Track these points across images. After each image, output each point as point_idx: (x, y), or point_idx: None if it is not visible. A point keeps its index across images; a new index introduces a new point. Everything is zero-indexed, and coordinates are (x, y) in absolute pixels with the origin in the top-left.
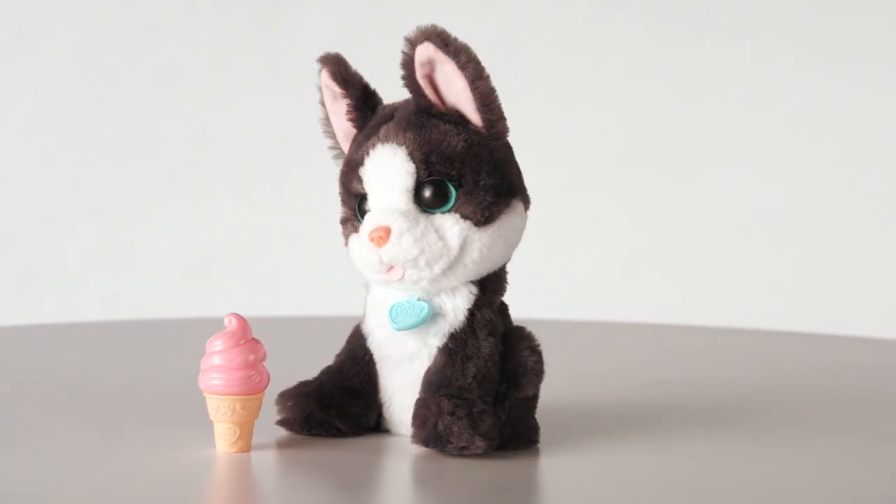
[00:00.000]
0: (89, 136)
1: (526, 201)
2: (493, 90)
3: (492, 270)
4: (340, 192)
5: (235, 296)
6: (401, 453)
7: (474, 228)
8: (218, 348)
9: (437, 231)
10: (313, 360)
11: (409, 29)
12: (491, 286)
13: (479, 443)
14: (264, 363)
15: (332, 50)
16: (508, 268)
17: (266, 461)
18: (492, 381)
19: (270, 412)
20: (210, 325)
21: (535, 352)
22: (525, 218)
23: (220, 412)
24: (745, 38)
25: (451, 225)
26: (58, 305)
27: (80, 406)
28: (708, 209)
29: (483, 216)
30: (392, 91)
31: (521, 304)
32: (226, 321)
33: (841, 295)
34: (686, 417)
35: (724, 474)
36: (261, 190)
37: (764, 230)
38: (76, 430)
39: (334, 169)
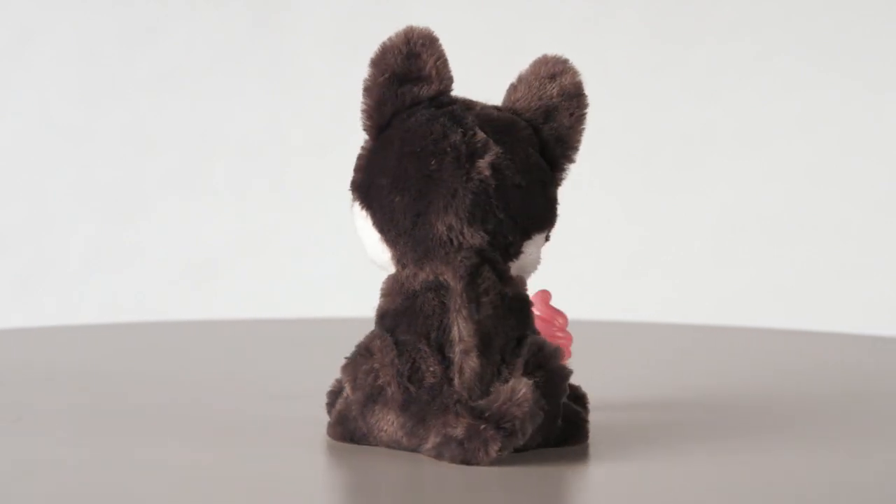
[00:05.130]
0: (89, 136)
1: (374, 205)
2: (364, 89)
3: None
4: None
5: (236, 296)
6: None
7: None
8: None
9: None
10: (315, 360)
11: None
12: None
13: None
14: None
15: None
16: None
17: None
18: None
19: None
20: (211, 326)
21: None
22: (366, 220)
23: None
24: (748, 36)
25: None
26: (58, 307)
27: (96, 407)
28: (711, 208)
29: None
30: None
31: None
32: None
33: (842, 292)
34: (687, 415)
35: (723, 472)
36: (262, 190)
37: (766, 229)
38: (105, 430)
39: (334, 169)
